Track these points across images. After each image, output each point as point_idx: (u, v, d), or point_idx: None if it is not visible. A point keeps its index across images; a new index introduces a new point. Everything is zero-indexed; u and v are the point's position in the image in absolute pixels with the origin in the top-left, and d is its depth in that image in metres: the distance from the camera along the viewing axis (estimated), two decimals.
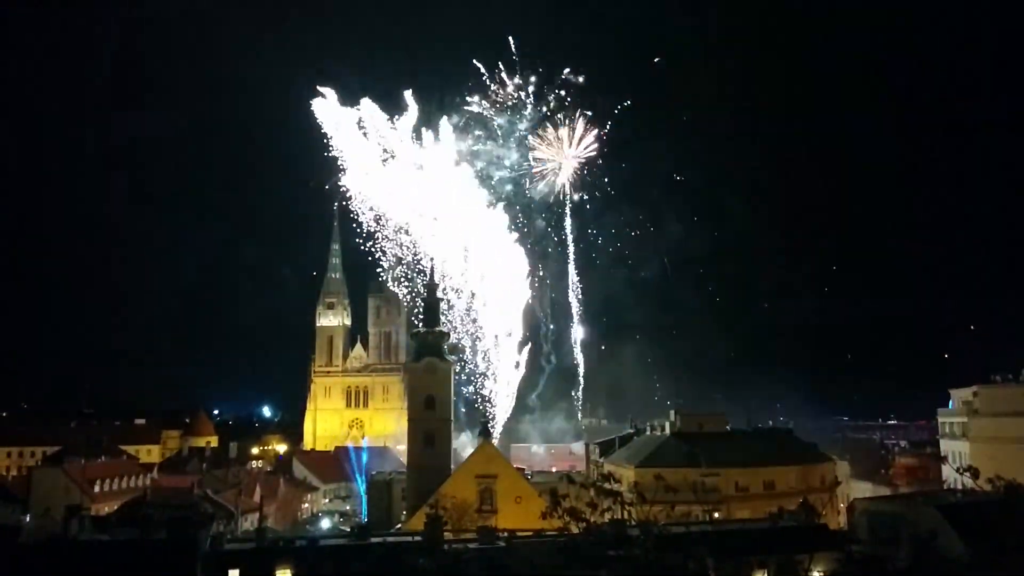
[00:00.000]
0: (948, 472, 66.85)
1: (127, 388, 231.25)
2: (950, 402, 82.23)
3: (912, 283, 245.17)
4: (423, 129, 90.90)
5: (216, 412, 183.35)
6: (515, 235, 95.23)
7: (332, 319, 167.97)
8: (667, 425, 78.99)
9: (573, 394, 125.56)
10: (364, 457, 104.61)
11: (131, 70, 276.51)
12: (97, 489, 78.97)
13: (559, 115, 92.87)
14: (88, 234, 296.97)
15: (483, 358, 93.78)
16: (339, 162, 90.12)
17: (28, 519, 60.48)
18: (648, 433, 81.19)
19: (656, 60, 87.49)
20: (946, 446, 76.96)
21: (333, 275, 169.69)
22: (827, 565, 37.55)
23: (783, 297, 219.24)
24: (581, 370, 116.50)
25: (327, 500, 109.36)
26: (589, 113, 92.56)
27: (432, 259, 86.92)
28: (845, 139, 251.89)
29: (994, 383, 76.22)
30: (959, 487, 52.03)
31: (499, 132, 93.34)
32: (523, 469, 79.70)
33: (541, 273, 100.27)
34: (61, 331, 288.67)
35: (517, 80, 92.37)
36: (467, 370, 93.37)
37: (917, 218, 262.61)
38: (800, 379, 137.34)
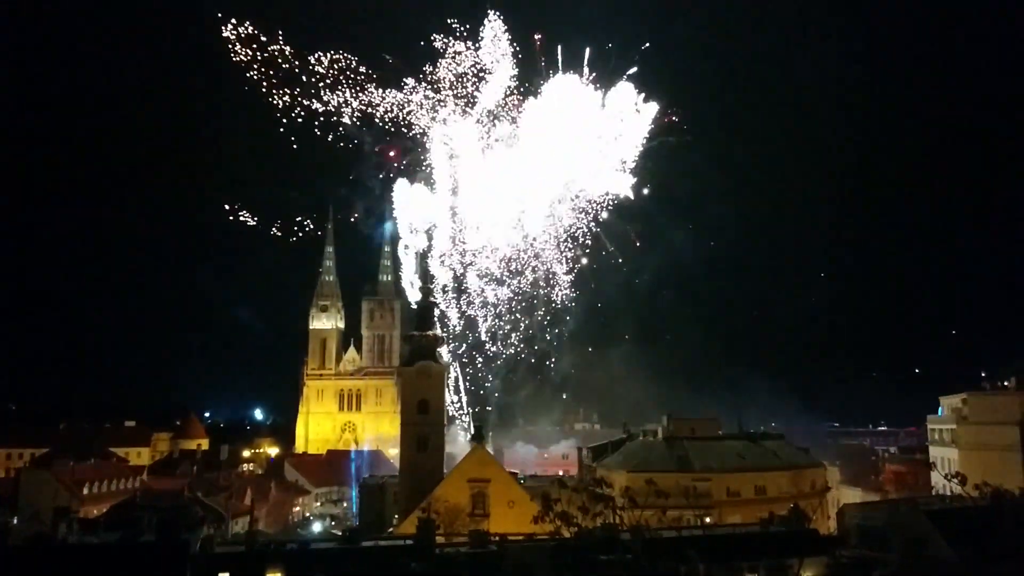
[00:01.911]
0: (937, 479, 67.37)
1: (117, 390, 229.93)
2: (939, 409, 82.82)
3: (901, 290, 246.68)
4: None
5: (207, 415, 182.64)
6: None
7: (325, 322, 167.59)
8: (659, 430, 79.12)
9: (564, 397, 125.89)
10: (364, 460, 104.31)
11: (131, 70, 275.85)
12: (86, 491, 78.43)
13: None
14: (78, 235, 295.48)
15: (484, 359, 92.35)
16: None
17: (16, 521, 59.94)
18: (640, 438, 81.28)
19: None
20: (935, 453, 77.37)
21: (327, 277, 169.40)
22: (817, 570, 37.81)
23: (774, 303, 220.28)
24: (572, 373, 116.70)
25: (319, 504, 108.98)
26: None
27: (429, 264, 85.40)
28: (835, 148, 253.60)
29: (983, 391, 76.80)
30: (947, 493, 52.52)
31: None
32: (516, 473, 79.59)
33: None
34: (50, 332, 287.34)
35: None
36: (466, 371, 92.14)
37: (908, 225, 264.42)
38: (791, 385, 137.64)
